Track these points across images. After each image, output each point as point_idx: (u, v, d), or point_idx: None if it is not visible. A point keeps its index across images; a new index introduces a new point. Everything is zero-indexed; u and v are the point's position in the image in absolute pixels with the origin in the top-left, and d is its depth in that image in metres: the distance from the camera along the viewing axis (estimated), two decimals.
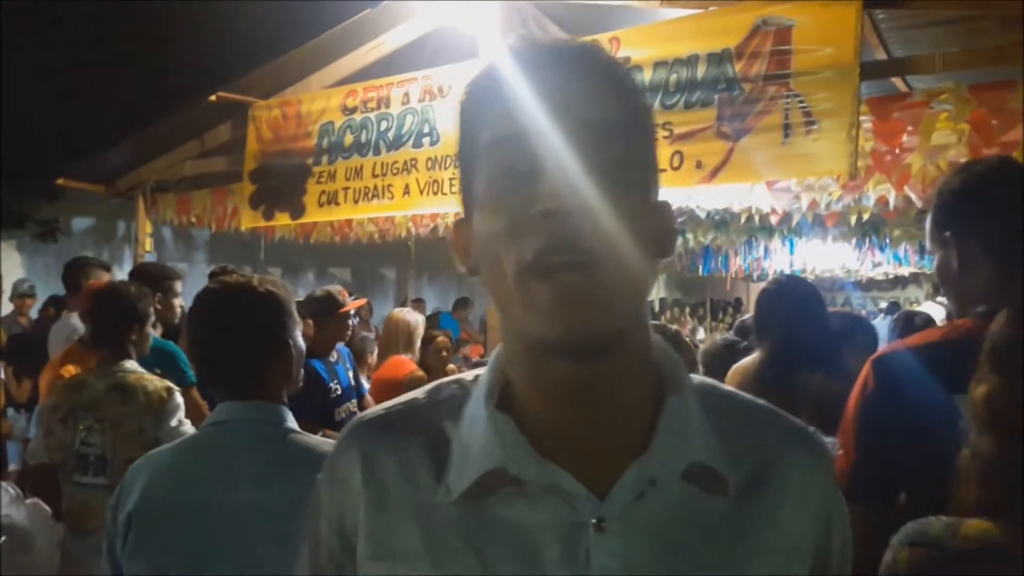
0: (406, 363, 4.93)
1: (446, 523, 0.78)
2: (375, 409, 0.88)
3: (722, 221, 8.48)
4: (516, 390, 0.80)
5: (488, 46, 4.74)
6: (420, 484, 0.80)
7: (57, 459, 2.86)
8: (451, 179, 4.76)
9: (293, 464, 1.59)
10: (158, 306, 3.34)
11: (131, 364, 2.95)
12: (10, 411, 5.50)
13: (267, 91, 5.78)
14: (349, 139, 5.24)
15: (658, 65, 3.93)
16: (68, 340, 3.89)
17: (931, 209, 1.74)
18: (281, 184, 5.59)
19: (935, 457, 1.31)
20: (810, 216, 6.37)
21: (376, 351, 5.53)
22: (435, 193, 4.84)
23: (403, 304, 8.29)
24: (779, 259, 10.48)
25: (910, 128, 3.66)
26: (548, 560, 0.74)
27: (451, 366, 5.06)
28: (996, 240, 1.60)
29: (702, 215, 6.90)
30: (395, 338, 5.08)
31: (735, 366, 2.93)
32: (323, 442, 1.68)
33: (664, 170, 2.05)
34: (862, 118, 3.55)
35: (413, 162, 4.93)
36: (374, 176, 5.11)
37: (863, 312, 10.57)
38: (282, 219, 5.68)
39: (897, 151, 3.76)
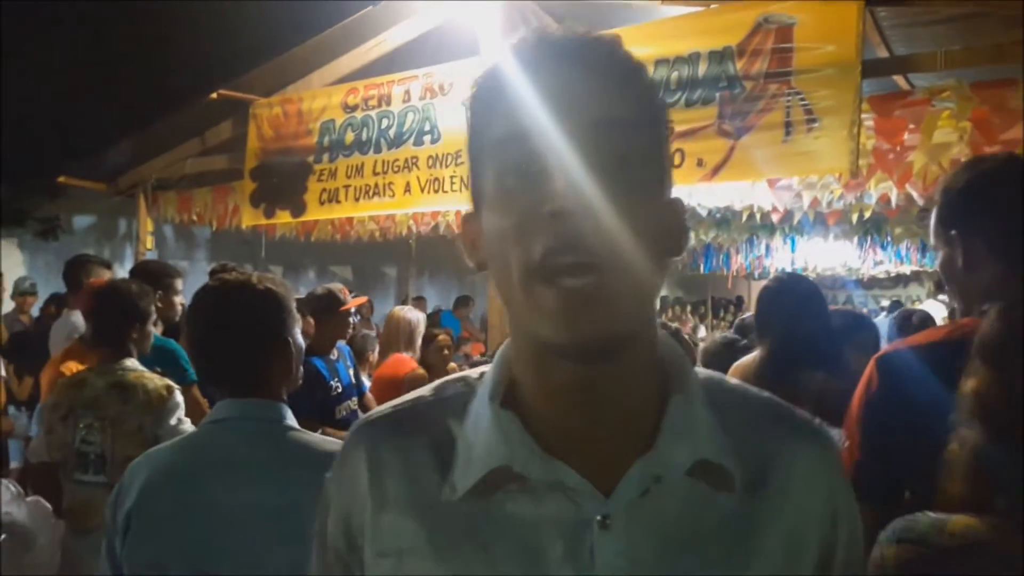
0: (407, 361, 4.93)
1: (452, 521, 0.78)
2: (382, 408, 0.88)
3: (723, 219, 8.48)
4: (522, 388, 0.80)
5: (489, 44, 4.74)
6: (426, 482, 0.80)
7: (57, 457, 2.86)
8: (452, 177, 4.77)
9: (292, 462, 1.59)
10: (159, 304, 3.34)
11: (132, 362, 2.95)
12: (11, 409, 5.50)
13: (268, 89, 5.78)
14: (350, 137, 5.24)
15: (659, 63, 3.93)
16: (69, 338, 3.89)
17: (936, 207, 1.73)
18: (282, 182, 5.59)
19: (939, 456, 1.31)
20: (811, 214, 6.37)
21: (377, 349, 5.54)
22: (436, 191, 4.84)
23: (404, 302, 8.29)
24: (780, 257, 10.47)
25: (912, 126, 3.65)
26: (553, 557, 0.74)
27: (452, 364, 5.06)
28: (1001, 238, 1.59)
29: (703, 213, 6.91)
30: (396, 336, 5.08)
31: (735, 364, 2.93)
32: (323, 440, 1.67)
33: None
34: (864, 116, 3.54)
35: (414, 160, 4.93)
36: (375, 174, 5.11)
37: (864, 310, 10.56)
38: (283, 217, 5.69)
39: (899, 149, 3.75)
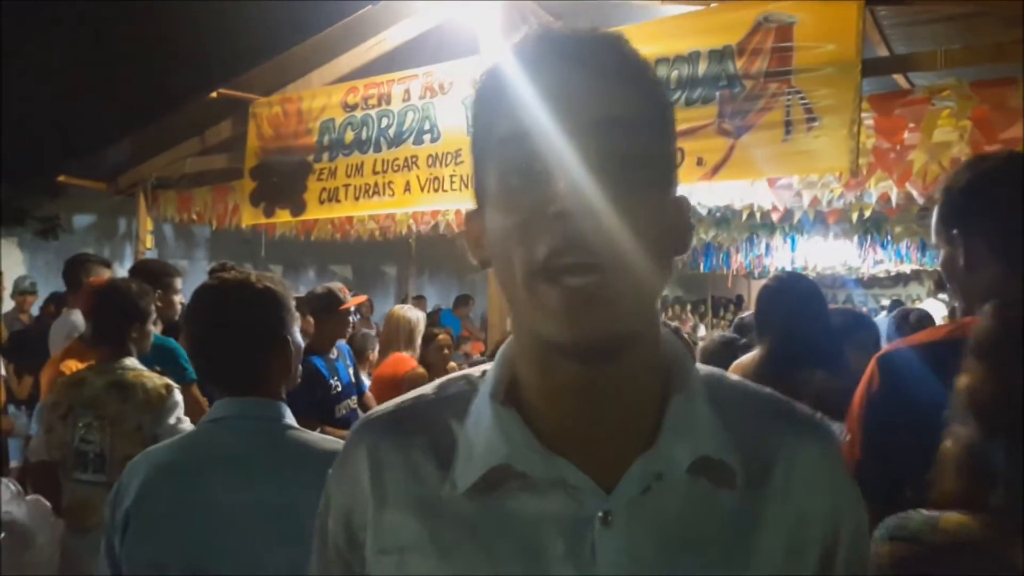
0: (407, 360, 4.93)
1: (453, 518, 0.78)
2: (385, 406, 0.88)
3: (723, 218, 8.47)
4: (524, 386, 0.80)
5: (489, 43, 4.73)
6: (427, 480, 0.80)
7: (57, 456, 2.86)
8: (452, 176, 4.77)
9: (291, 461, 1.59)
10: (158, 303, 3.34)
11: (131, 361, 2.95)
12: (11, 408, 5.50)
13: (268, 88, 5.78)
14: (350, 136, 5.24)
15: (659, 62, 3.92)
16: (69, 337, 3.90)
17: (938, 206, 1.73)
18: (282, 181, 5.59)
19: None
20: (811, 213, 6.37)
21: (377, 348, 5.54)
22: (436, 190, 4.84)
23: (404, 301, 8.29)
24: (780, 256, 10.46)
25: (912, 125, 3.65)
26: (554, 554, 0.74)
27: (452, 363, 5.06)
28: (1002, 238, 1.59)
29: (703, 212, 6.90)
30: (396, 335, 5.08)
31: (735, 363, 2.93)
32: (321, 439, 1.67)
33: None
34: (864, 115, 3.54)
35: (414, 159, 4.92)
36: (375, 173, 5.11)
37: (864, 309, 10.56)
38: (283, 216, 5.68)
39: (899, 148, 3.75)
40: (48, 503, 2.93)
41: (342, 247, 8.79)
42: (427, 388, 0.88)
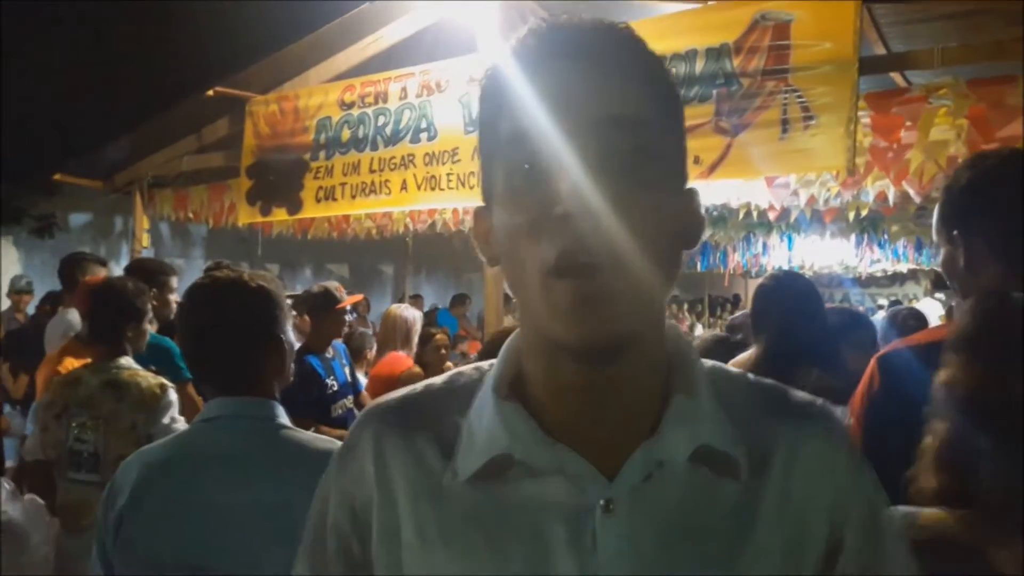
0: (403, 359, 4.93)
1: (455, 506, 0.78)
2: (394, 394, 0.88)
3: (720, 217, 8.47)
4: (529, 380, 0.80)
5: (486, 41, 4.73)
6: (431, 468, 0.80)
7: (52, 455, 2.85)
8: (448, 174, 4.76)
9: (285, 460, 1.58)
10: (154, 302, 3.34)
11: (126, 360, 2.94)
12: (6, 407, 5.49)
13: (264, 86, 5.77)
14: (346, 134, 5.23)
15: None
16: (64, 336, 3.89)
17: (938, 205, 1.73)
18: (278, 179, 5.58)
19: None
20: (808, 212, 6.36)
21: (375, 347, 5.54)
22: (433, 189, 4.83)
23: (401, 300, 8.28)
24: (777, 255, 10.47)
25: (908, 123, 3.65)
26: (555, 541, 0.74)
27: (448, 363, 5.05)
28: (1003, 237, 1.58)
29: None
30: (392, 334, 5.08)
31: (731, 361, 2.93)
32: (315, 438, 1.67)
33: None
34: (860, 113, 3.54)
35: (411, 158, 4.91)
36: (371, 172, 5.10)
37: (862, 308, 10.57)
38: (279, 215, 5.67)
39: (895, 146, 3.75)
40: (43, 503, 2.92)
41: (339, 246, 8.78)
42: (438, 379, 0.89)
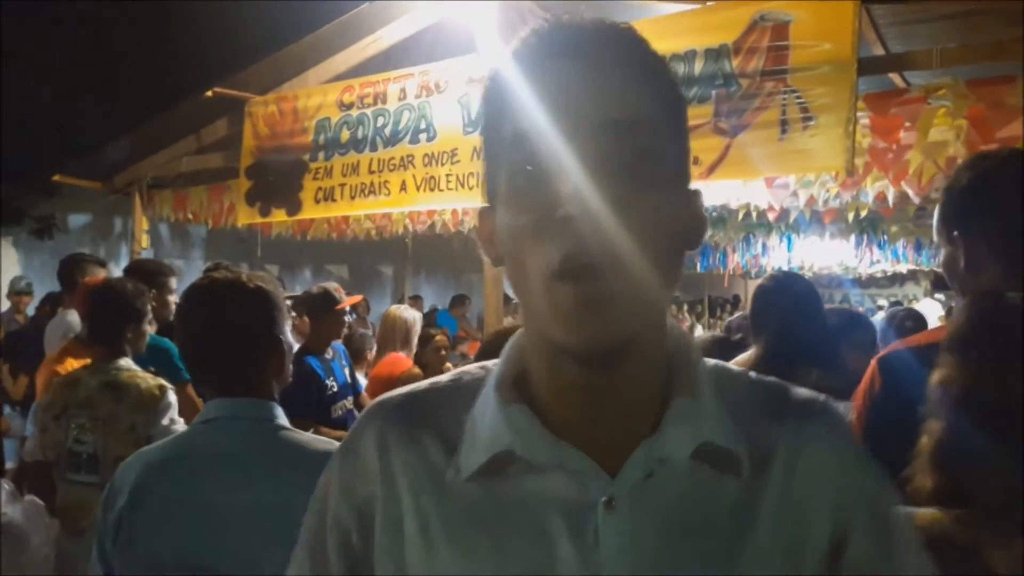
0: (402, 360, 4.93)
1: (458, 502, 0.78)
2: (398, 391, 0.89)
3: (719, 218, 8.47)
4: (533, 379, 0.80)
5: (485, 41, 4.72)
6: (434, 464, 0.80)
7: (51, 456, 2.85)
8: (448, 175, 4.76)
9: (284, 462, 1.58)
10: (153, 303, 3.33)
11: (125, 362, 2.94)
12: (6, 408, 5.49)
13: (263, 87, 5.76)
14: (346, 135, 5.23)
15: None
16: (64, 337, 3.89)
17: (939, 205, 1.73)
18: (277, 180, 5.57)
19: None
20: (807, 213, 6.37)
21: (375, 348, 5.54)
22: (432, 189, 4.83)
23: (401, 301, 8.28)
24: (777, 256, 10.48)
25: (908, 124, 3.65)
26: (558, 538, 0.74)
27: (448, 364, 5.05)
28: (1003, 238, 1.58)
29: None
30: (392, 335, 5.08)
31: (731, 362, 2.92)
32: (314, 439, 1.67)
33: None
34: (859, 114, 3.54)
35: (410, 158, 4.91)
36: (371, 172, 5.09)
37: (861, 309, 10.56)
38: (279, 216, 5.67)
39: (895, 147, 3.75)
40: (43, 504, 2.92)
41: (338, 247, 8.78)
42: (443, 376, 0.89)
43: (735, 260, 11.10)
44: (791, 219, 7.21)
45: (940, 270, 1.81)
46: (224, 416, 1.65)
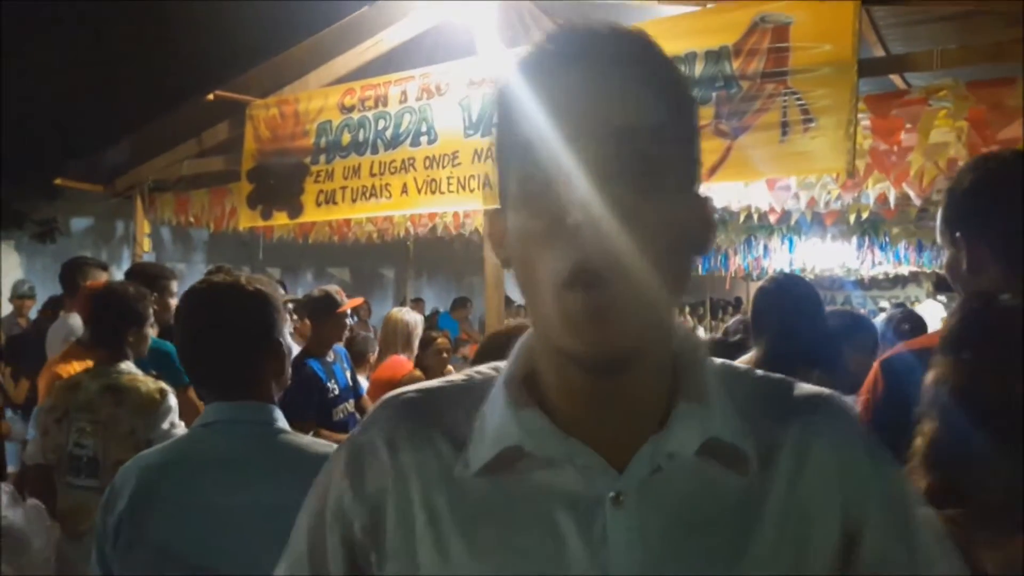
0: (404, 363, 4.93)
1: (466, 496, 0.79)
2: (412, 387, 0.89)
3: (721, 220, 8.47)
4: (542, 380, 0.80)
5: (486, 44, 4.73)
6: (443, 459, 0.81)
7: (52, 460, 2.85)
8: (449, 178, 4.76)
9: (284, 465, 1.58)
10: (154, 306, 3.33)
11: (127, 365, 2.94)
12: (8, 412, 5.49)
13: (265, 90, 5.77)
14: (347, 138, 5.23)
15: None
16: (66, 341, 3.89)
17: (941, 207, 1.73)
18: (279, 183, 5.58)
19: None
20: (809, 214, 6.37)
21: (377, 350, 5.54)
22: (433, 192, 4.83)
23: (402, 304, 8.28)
24: (779, 258, 10.47)
25: (908, 126, 3.65)
26: (566, 533, 0.75)
27: (449, 367, 5.05)
28: (1005, 240, 1.58)
29: None
30: (393, 338, 5.08)
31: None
32: (314, 442, 1.67)
33: None
34: (860, 116, 3.53)
35: (411, 161, 4.91)
36: (372, 175, 5.09)
37: (864, 311, 10.56)
38: (280, 219, 5.67)
39: (896, 149, 3.75)
40: (44, 508, 2.92)
41: (340, 249, 8.79)
42: (456, 375, 0.90)
43: (737, 262, 11.10)
44: (792, 221, 7.21)
45: (942, 272, 1.81)
46: (223, 420, 1.65)
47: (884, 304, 14.56)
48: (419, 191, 4.89)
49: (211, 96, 5.69)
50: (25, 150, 6.30)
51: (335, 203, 5.30)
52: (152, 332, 3.28)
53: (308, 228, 6.57)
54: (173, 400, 2.84)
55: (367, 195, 5.12)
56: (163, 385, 2.86)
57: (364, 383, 5.09)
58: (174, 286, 3.95)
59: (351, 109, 5.23)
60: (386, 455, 0.82)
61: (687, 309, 14.55)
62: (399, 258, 10.46)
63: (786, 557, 0.76)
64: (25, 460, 3.32)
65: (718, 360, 0.85)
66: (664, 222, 0.70)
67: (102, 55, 5.81)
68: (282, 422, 1.68)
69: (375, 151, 5.10)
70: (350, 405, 4.49)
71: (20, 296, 7.57)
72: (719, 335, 4.32)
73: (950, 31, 4.13)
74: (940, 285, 13.74)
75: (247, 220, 5.84)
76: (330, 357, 4.47)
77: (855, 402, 1.65)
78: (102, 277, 4.16)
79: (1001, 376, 1.12)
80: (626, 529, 0.74)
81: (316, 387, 4.23)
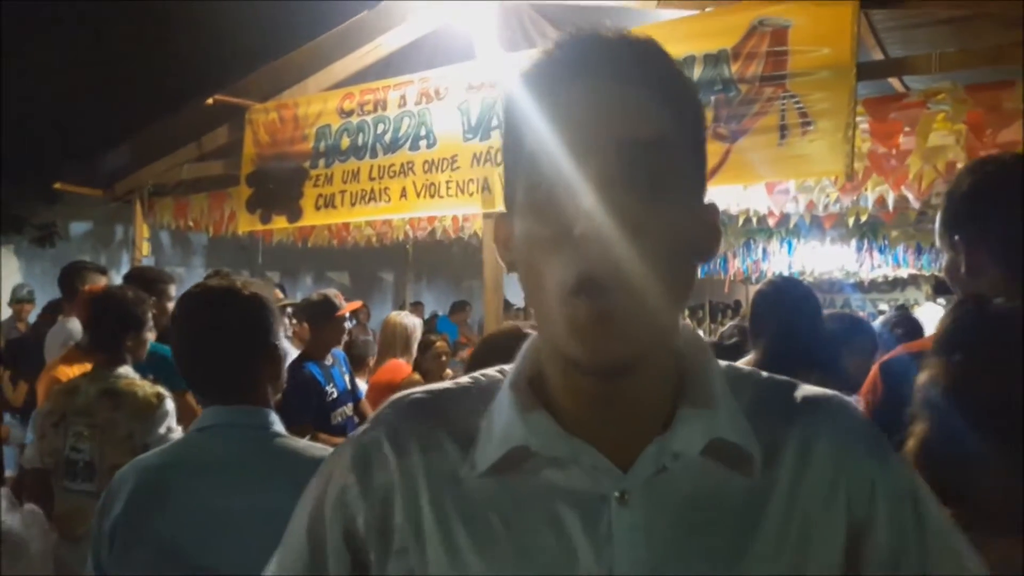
0: (403, 367, 4.93)
1: (472, 496, 0.79)
2: (421, 388, 0.89)
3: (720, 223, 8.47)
4: (546, 379, 0.81)
5: (485, 48, 4.73)
6: (450, 459, 0.81)
7: (49, 464, 2.85)
8: (448, 182, 4.76)
9: (280, 468, 1.57)
10: (153, 310, 3.33)
11: (124, 369, 2.94)
12: (6, 416, 5.49)
13: (264, 94, 5.77)
14: (346, 142, 5.23)
15: None
16: (64, 345, 3.89)
17: (940, 211, 1.73)
18: (278, 187, 5.58)
19: None
20: (807, 217, 6.37)
21: (376, 354, 5.54)
22: (432, 196, 4.83)
23: (402, 307, 8.28)
24: (778, 261, 10.47)
25: (907, 129, 3.65)
26: (571, 532, 0.75)
27: (448, 371, 5.05)
28: (1004, 243, 1.58)
29: None
30: (392, 341, 5.08)
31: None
32: (310, 446, 1.66)
33: None
34: (859, 119, 3.53)
35: (410, 165, 4.92)
36: (371, 179, 5.10)
37: (863, 314, 10.55)
38: (279, 222, 5.67)
39: (894, 152, 3.75)
40: (42, 512, 2.92)
41: (339, 253, 8.80)
42: (464, 377, 0.90)
43: (736, 265, 11.09)
44: (791, 224, 7.22)
45: (941, 275, 1.81)
46: (220, 424, 1.64)
47: (883, 307, 14.56)
48: (418, 195, 4.89)
49: (210, 100, 5.69)
50: (24, 149, 6.30)
51: (334, 207, 5.30)
52: (150, 336, 3.27)
53: (307, 232, 6.57)
54: (170, 404, 2.83)
55: (366, 199, 5.12)
56: (160, 389, 2.86)
57: (363, 387, 5.08)
58: (172, 290, 3.94)
59: (350, 113, 5.23)
60: (393, 454, 0.82)
61: (686, 312, 14.55)
62: (398, 262, 10.47)
63: (790, 557, 0.76)
64: (23, 464, 3.32)
65: (723, 362, 0.86)
66: (670, 231, 0.71)
67: (102, 55, 5.82)
68: (278, 426, 1.68)
69: (374, 155, 5.10)
70: (348, 409, 4.48)
71: (19, 300, 7.58)
72: (714, 339, 4.33)
73: (949, 34, 4.13)
74: (939, 288, 13.74)
75: (246, 224, 5.84)
76: (329, 361, 4.47)
77: (856, 402, 1.65)
78: (101, 281, 4.15)
79: (993, 377, 1.12)
80: (631, 528, 0.74)
81: (314, 391, 4.23)
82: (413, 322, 5.26)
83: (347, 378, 4.62)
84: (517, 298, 9.31)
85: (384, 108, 5.07)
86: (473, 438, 0.81)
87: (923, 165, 3.72)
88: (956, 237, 1.65)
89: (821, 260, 10.69)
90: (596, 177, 0.69)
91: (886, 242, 9.52)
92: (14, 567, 2.75)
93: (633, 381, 0.75)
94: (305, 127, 5.45)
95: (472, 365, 1.84)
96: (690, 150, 0.76)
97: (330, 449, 1.23)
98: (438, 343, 5.18)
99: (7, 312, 7.69)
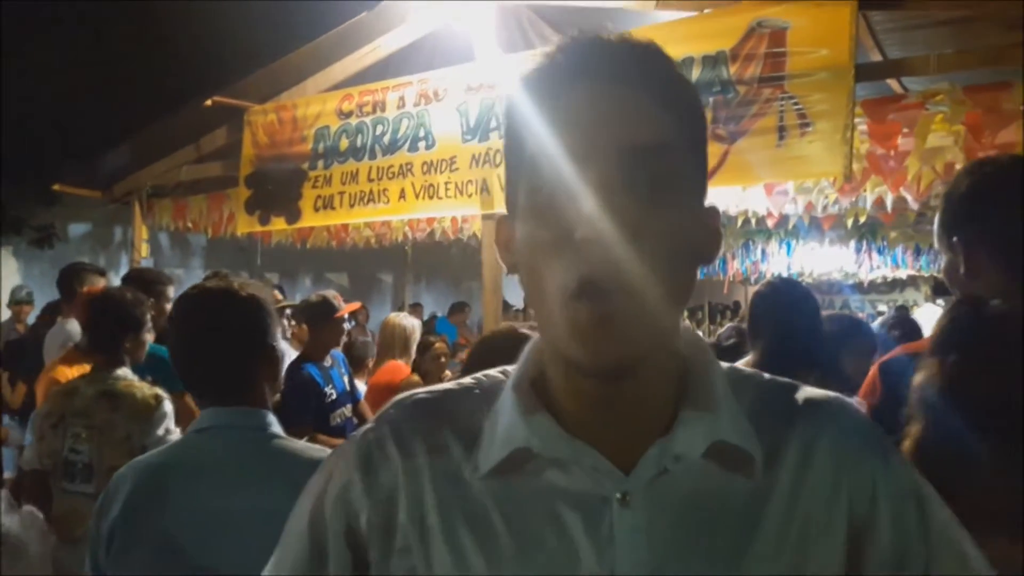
0: (402, 368, 4.93)
1: (474, 497, 0.79)
2: (424, 389, 0.90)
3: None
4: (548, 380, 0.81)
5: (484, 49, 4.73)
6: (453, 460, 0.81)
7: (48, 465, 2.85)
8: (447, 183, 4.76)
9: (278, 469, 1.57)
10: (151, 312, 3.33)
11: (123, 371, 2.94)
12: (5, 418, 5.49)
13: (263, 95, 5.77)
14: (344, 143, 5.23)
15: None
16: (63, 346, 3.89)
17: (939, 212, 1.73)
18: (277, 189, 5.58)
19: None
20: (806, 218, 6.37)
21: (375, 355, 5.54)
22: (431, 197, 4.83)
23: (401, 308, 8.28)
24: (777, 262, 10.47)
25: (906, 130, 3.65)
26: (573, 533, 0.76)
27: (447, 372, 5.05)
28: (1002, 244, 1.58)
29: None
30: (391, 343, 5.08)
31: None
32: (308, 447, 1.66)
33: None
34: (857, 120, 3.54)
35: (408, 166, 4.92)
36: (369, 180, 5.10)
37: (862, 315, 10.56)
38: (278, 224, 5.67)
39: (893, 153, 3.75)
40: (41, 514, 2.92)
41: (338, 255, 8.79)
42: (467, 378, 0.90)
43: (735, 266, 11.09)
44: (790, 225, 7.22)
45: (940, 276, 1.82)
46: (218, 425, 1.64)
47: (882, 308, 14.57)
48: (417, 196, 4.89)
49: (209, 102, 5.69)
50: (24, 149, 6.30)
51: (333, 208, 5.30)
52: (149, 338, 3.27)
53: (306, 233, 6.57)
54: (168, 406, 2.83)
55: (365, 200, 5.12)
56: (158, 391, 2.86)
57: (362, 388, 5.08)
58: (171, 292, 3.94)
59: (349, 115, 5.23)
60: (397, 453, 0.83)
61: (685, 313, 14.53)
62: (397, 263, 10.47)
63: (791, 557, 0.76)
64: (22, 465, 3.32)
65: (725, 364, 0.86)
66: (671, 235, 0.71)
67: (102, 55, 5.82)
68: (276, 427, 1.68)
69: (373, 156, 5.10)
70: (347, 410, 4.48)
71: (18, 302, 7.58)
72: (713, 340, 4.33)
73: (947, 35, 4.13)
74: (938, 289, 13.73)
75: (245, 225, 5.84)
76: (328, 362, 4.47)
77: (857, 404, 1.65)
78: (100, 283, 4.15)
79: (988, 378, 1.13)
80: (632, 529, 0.75)
81: (313, 392, 4.23)
82: (412, 323, 5.26)
83: (346, 379, 4.61)
84: (516, 299, 9.32)
85: (383, 109, 5.07)
86: (477, 439, 0.82)
87: (922, 166, 3.72)
88: (955, 238, 1.65)
89: (820, 261, 10.69)
90: (597, 181, 0.69)
91: (885, 243, 9.52)
92: (13, 568, 2.75)
93: (634, 383, 0.75)
94: (304, 128, 5.45)
95: (469, 366, 1.84)
96: (691, 154, 0.76)
97: (328, 450, 1.23)
98: (437, 344, 5.19)
99: (6, 313, 7.69)
